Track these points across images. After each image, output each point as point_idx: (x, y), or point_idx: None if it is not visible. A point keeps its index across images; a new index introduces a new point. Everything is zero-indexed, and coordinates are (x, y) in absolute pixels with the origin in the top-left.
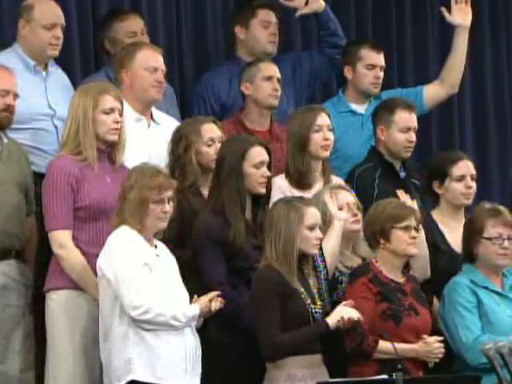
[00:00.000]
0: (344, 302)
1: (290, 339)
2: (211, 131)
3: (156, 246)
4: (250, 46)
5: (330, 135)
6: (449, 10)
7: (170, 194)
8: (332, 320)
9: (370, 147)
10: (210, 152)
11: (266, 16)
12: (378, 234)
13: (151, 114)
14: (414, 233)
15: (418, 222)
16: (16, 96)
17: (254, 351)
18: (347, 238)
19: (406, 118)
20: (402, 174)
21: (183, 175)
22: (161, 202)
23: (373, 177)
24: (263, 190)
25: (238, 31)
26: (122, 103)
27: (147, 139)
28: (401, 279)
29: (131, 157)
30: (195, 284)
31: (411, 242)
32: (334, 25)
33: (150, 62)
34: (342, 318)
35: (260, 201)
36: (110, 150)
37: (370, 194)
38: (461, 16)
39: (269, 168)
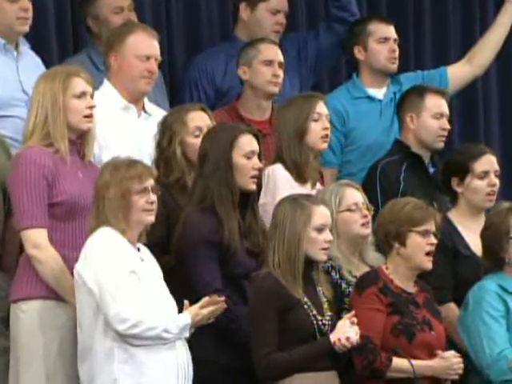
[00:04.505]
0: (347, 316)
1: (286, 359)
2: (198, 120)
3: (139, 249)
4: (251, 30)
5: (329, 125)
6: None
7: (151, 183)
8: (334, 338)
9: (393, 140)
10: (198, 143)
11: (278, 4)
12: (393, 236)
13: (143, 104)
14: (432, 239)
15: (437, 227)
16: None
17: (253, 371)
18: (355, 244)
19: (439, 103)
20: (432, 170)
21: (168, 170)
22: (144, 191)
23: (398, 170)
24: (253, 187)
25: (242, 9)
26: (93, 87)
27: (136, 131)
28: (413, 289)
29: (117, 149)
30: (180, 294)
31: (429, 251)
32: None
33: (142, 48)
34: (338, 340)
35: (248, 199)
36: (79, 142)
37: (394, 190)
38: None
39: (259, 160)
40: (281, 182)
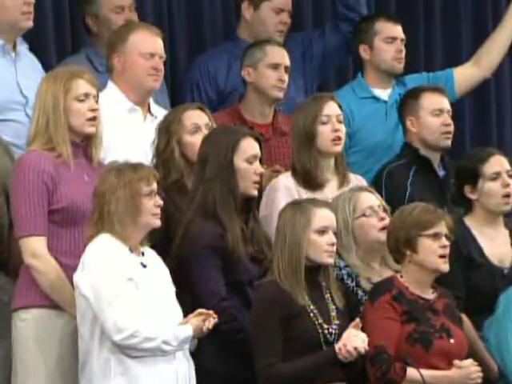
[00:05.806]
0: (352, 324)
1: (289, 370)
2: (195, 117)
3: (143, 254)
4: (254, 30)
5: (341, 126)
6: None
7: (156, 186)
8: (338, 347)
9: (402, 144)
10: (196, 142)
11: (282, 2)
12: (403, 243)
13: (148, 106)
14: (444, 241)
15: (449, 228)
16: None
17: (255, 381)
18: (375, 250)
19: (436, 100)
20: (441, 173)
21: (166, 172)
22: (152, 194)
23: (406, 175)
24: (255, 192)
25: (245, 8)
26: (97, 89)
27: (142, 133)
28: (431, 295)
29: (122, 152)
30: (178, 299)
31: (442, 254)
32: None
33: (145, 46)
34: (341, 348)
35: (249, 205)
36: (85, 144)
37: (401, 195)
38: None
39: (260, 164)
40: (281, 194)
